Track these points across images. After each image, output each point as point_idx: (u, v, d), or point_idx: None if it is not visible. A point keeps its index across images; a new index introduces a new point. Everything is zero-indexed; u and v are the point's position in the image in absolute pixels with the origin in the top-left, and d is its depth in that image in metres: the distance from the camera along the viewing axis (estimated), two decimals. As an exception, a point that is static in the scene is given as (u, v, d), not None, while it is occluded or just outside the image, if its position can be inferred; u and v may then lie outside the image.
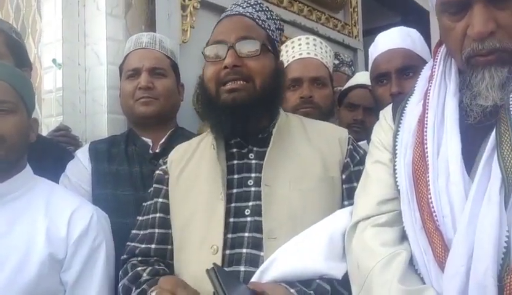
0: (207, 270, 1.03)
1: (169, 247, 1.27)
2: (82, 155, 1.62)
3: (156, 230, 1.28)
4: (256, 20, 1.29)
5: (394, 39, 1.55)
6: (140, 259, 1.26)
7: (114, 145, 1.65)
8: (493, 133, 0.89)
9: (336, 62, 2.49)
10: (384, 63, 1.53)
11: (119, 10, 1.90)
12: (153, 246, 1.27)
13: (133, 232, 1.32)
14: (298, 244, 1.10)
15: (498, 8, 0.88)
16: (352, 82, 2.05)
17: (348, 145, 1.28)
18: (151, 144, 1.64)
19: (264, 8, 1.33)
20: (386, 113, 1.15)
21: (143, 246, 1.27)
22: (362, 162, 1.23)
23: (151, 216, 1.30)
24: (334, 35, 3.02)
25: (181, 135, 1.67)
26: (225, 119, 1.21)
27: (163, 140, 1.64)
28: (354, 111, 1.98)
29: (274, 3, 2.58)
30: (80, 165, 1.59)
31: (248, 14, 1.29)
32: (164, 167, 1.35)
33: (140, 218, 1.34)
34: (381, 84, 1.55)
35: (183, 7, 2.10)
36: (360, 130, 1.93)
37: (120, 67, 1.72)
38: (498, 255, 0.81)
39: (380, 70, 1.55)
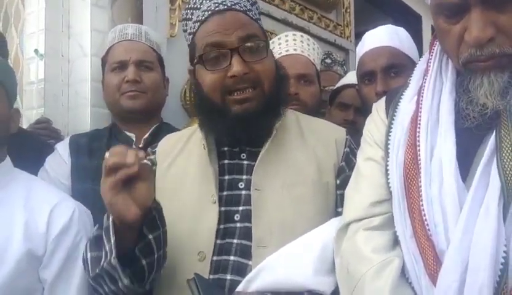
0: (188, 281, 0.98)
1: None
2: (62, 149, 1.57)
3: None
4: (249, 13, 1.15)
5: (381, 37, 1.52)
6: None
7: (96, 140, 1.60)
8: (493, 137, 0.83)
9: (329, 61, 2.47)
10: (370, 61, 1.50)
11: (105, 1, 1.86)
12: None
13: None
14: (288, 254, 1.04)
15: (498, 12, 0.82)
16: (344, 81, 2.02)
17: (345, 147, 1.20)
18: (134, 139, 1.60)
19: None
20: (379, 106, 1.09)
21: None
22: None
23: None
24: (326, 35, 3.00)
25: (166, 131, 1.61)
26: (239, 130, 1.12)
27: (147, 135, 1.60)
28: (345, 111, 1.94)
29: (265, 0, 2.54)
30: (60, 158, 1.55)
31: (238, 7, 1.14)
32: (152, 157, 1.26)
33: None
34: (367, 83, 1.51)
35: (172, 0, 2.06)
36: (351, 130, 1.89)
37: (104, 58, 1.67)
38: (494, 271, 0.76)
39: (365, 69, 1.51)
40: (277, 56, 1.70)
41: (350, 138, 1.23)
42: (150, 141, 1.56)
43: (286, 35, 1.77)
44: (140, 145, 1.57)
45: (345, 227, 1.00)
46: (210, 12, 1.13)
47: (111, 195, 0.92)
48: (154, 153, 1.27)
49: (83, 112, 1.83)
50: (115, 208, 0.93)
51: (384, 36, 1.51)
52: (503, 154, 0.80)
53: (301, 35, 1.78)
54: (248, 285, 1.02)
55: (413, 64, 1.48)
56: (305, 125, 1.24)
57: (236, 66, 1.07)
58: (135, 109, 1.57)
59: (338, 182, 1.16)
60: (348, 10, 3.25)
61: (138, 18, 1.93)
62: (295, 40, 1.73)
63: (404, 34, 1.54)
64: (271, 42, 1.79)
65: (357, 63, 1.59)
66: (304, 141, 1.20)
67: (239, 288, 1.02)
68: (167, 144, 1.28)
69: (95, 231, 1.07)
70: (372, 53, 1.50)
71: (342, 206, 1.10)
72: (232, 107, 1.11)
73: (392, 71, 1.46)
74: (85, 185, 1.49)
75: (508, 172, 0.79)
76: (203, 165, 1.16)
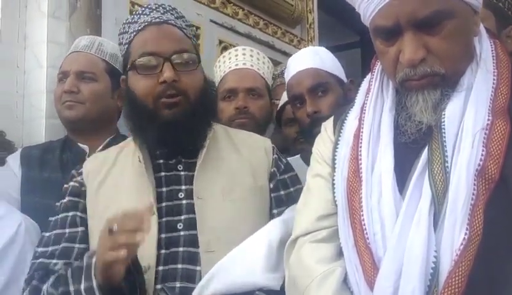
0: (157, 291, 1.01)
1: None
2: (13, 161, 1.55)
3: (76, 245, 1.17)
4: (183, 30, 1.24)
5: (303, 60, 1.54)
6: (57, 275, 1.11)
7: (49, 152, 1.59)
8: (425, 151, 0.89)
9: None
10: (296, 85, 1.52)
11: (62, 12, 1.84)
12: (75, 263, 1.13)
13: (39, 249, 1.17)
14: (237, 257, 1.08)
15: (428, 34, 0.88)
16: (283, 99, 2.00)
17: (273, 154, 1.30)
18: (88, 151, 1.58)
19: (180, 15, 1.28)
20: (327, 125, 1.14)
21: (62, 261, 1.14)
22: (286, 171, 1.27)
23: (67, 230, 1.19)
24: (290, 50, 3.04)
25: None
26: (169, 134, 1.17)
27: (100, 147, 1.58)
28: (294, 126, 1.95)
29: (228, 14, 2.57)
30: (10, 171, 1.52)
31: (172, 22, 1.23)
32: (78, 178, 1.25)
33: (46, 234, 1.20)
34: (298, 107, 1.54)
35: (132, 13, 2.04)
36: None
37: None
38: (425, 276, 0.81)
39: (293, 93, 1.54)
40: (226, 70, 1.73)
41: (274, 146, 1.32)
42: (104, 154, 1.55)
43: (236, 50, 1.79)
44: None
45: (293, 242, 1.04)
46: (146, 23, 1.22)
47: (109, 255, 0.94)
48: (80, 174, 1.26)
49: (38, 124, 1.79)
50: (107, 269, 0.95)
51: (305, 59, 1.54)
52: (434, 167, 0.86)
53: (251, 50, 1.80)
54: (202, 291, 1.04)
55: (338, 80, 1.53)
56: (234, 136, 1.32)
57: (167, 73, 1.14)
58: (72, 119, 1.58)
59: (271, 186, 1.25)
60: (312, 26, 3.31)
61: (97, 30, 1.92)
62: (244, 54, 1.75)
63: (324, 52, 1.57)
64: (221, 56, 1.83)
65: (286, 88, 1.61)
66: (236, 149, 1.28)
67: (194, 294, 1.04)
68: (93, 164, 1.28)
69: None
70: (296, 77, 1.52)
71: (276, 207, 1.21)
72: (163, 111, 1.16)
73: (318, 91, 1.49)
74: (34, 198, 1.47)
75: (438, 183, 0.84)
76: (138, 178, 1.18)
